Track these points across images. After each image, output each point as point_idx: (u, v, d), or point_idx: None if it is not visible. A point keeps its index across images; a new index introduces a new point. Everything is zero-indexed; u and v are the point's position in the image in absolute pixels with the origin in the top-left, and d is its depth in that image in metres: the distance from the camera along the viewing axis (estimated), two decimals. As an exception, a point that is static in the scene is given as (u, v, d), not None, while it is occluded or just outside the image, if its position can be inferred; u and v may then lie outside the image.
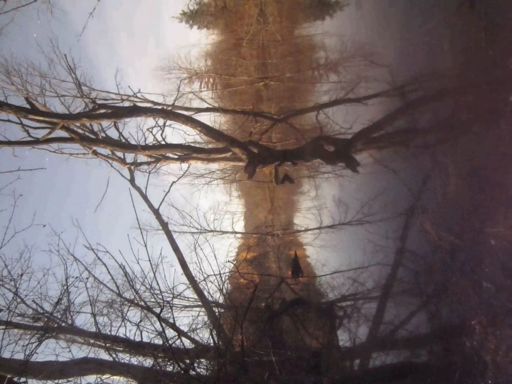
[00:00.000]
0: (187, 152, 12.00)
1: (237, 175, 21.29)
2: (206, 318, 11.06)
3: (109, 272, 10.06)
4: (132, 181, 13.62)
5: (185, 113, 12.73)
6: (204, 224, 18.88)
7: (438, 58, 7.89)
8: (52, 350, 8.10)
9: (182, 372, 5.73)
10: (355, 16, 14.58)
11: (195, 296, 11.55)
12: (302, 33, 18.08)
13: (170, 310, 8.67)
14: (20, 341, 7.89)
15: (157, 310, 9.33)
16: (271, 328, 9.60)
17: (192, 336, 10.13)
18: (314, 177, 19.79)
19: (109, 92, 14.51)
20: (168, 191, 13.27)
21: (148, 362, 8.25)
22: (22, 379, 7.00)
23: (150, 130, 12.39)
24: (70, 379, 7.56)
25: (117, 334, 8.18)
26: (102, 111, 10.86)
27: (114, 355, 7.39)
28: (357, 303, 12.00)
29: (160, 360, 7.81)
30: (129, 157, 13.35)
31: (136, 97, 14.16)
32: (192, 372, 6.83)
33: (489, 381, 5.28)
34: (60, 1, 11.40)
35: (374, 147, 10.55)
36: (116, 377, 7.63)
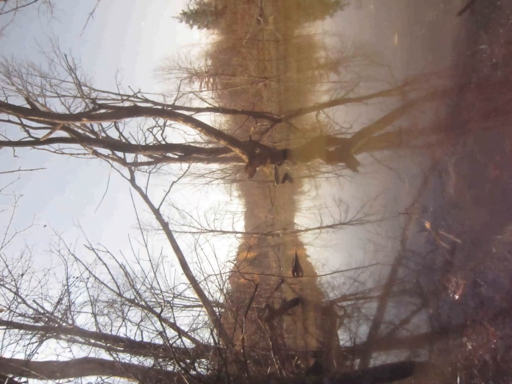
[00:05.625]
0: (187, 152, 12.00)
1: (237, 175, 21.32)
2: (206, 318, 11.10)
3: (109, 272, 10.10)
4: (132, 181, 13.63)
5: (185, 113, 12.71)
6: (204, 224, 18.94)
7: (438, 58, 7.90)
8: (52, 350, 8.14)
9: (183, 372, 5.74)
10: (355, 16, 14.57)
11: (196, 296, 11.57)
12: (302, 33, 18.08)
13: (170, 310, 8.69)
14: (21, 341, 7.91)
15: (158, 310, 9.36)
16: (271, 328, 9.61)
17: (192, 335, 10.16)
18: (314, 176, 19.81)
19: (109, 92, 14.54)
20: (169, 191, 13.30)
21: (148, 362, 8.28)
22: (23, 379, 7.01)
23: (150, 130, 12.40)
24: (70, 379, 7.57)
25: (118, 334, 8.20)
26: (102, 111, 10.85)
27: (114, 355, 7.39)
28: (357, 303, 12.02)
29: (161, 360, 7.82)
30: (130, 157, 13.37)
31: (136, 97, 14.16)
32: (193, 372, 6.84)
33: (490, 382, 5.29)
34: (60, 1, 11.39)
35: (374, 147, 10.56)
36: (116, 377, 7.65)
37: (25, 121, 9.94)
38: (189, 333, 10.03)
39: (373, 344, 9.50)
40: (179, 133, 13.88)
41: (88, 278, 9.06)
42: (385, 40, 10.81)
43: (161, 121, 12.55)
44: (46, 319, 9.09)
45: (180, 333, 8.07)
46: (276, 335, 9.82)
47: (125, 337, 7.91)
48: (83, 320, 9.51)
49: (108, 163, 13.08)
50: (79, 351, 8.81)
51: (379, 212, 11.35)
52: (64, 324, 9.18)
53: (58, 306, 8.95)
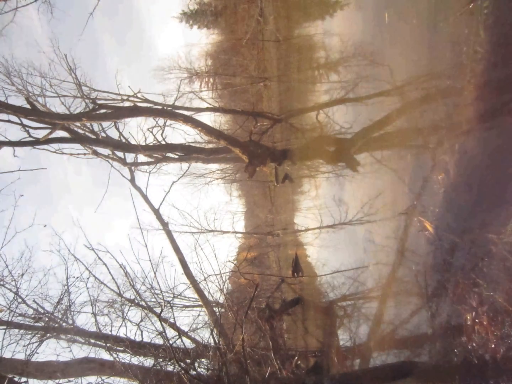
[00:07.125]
0: (187, 152, 12.00)
1: (237, 175, 21.33)
2: (206, 318, 11.10)
3: (109, 272, 10.07)
4: (132, 181, 13.63)
5: (185, 113, 12.71)
6: (204, 224, 18.91)
7: (438, 58, 7.90)
8: (53, 350, 8.15)
9: (183, 372, 5.74)
10: (355, 16, 14.58)
11: (196, 296, 11.57)
12: (302, 33, 18.08)
13: (170, 310, 8.68)
14: (21, 341, 7.92)
15: (158, 310, 9.36)
16: (271, 328, 9.61)
17: (192, 335, 10.17)
18: (314, 176, 19.82)
19: (109, 92, 14.53)
20: (169, 191, 13.31)
21: (148, 362, 8.28)
22: (23, 379, 7.02)
23: (150, 130, 12.40)
24: (70, 379, 7.57)
25: (118, 334, 8.19)
26: (102, 111, 10.85)
27: (114, 355, 7.40)
28: (357, 303, 12.02)
29: (161, 360, 7.83)
30: (130, 157, 13.37)
31: (136, 97, 14.15)
32: (193, 372, 6.84)
33: (490, 382, 5.29)
34: (60, 1, 11.39)
35: (374, 147, 10.55)
36: (116, 377, 7.65)
37: (25, 121, 9.95)
38: (189, 333, 10.03)
39: (373, 344, 9.50)
40: (179, 133, 13.86)
41: (88, 278, 9.07)
42: (385, 40, 10.82)
43: (161, 121, 12.55)
44: (46, 319, 9.10)
45: (180, 333, 8.08)
46: (276, 335, 9.82)
47: (125, 337, 7.91)
48: (83, 320, 9.53)
49: (108, 163, 13.08)
50: (79, 351, 8.82)
51: (379, 212, 11.35)
52: (64, 324, 9.19)
53: (58, 306, 8.96)
